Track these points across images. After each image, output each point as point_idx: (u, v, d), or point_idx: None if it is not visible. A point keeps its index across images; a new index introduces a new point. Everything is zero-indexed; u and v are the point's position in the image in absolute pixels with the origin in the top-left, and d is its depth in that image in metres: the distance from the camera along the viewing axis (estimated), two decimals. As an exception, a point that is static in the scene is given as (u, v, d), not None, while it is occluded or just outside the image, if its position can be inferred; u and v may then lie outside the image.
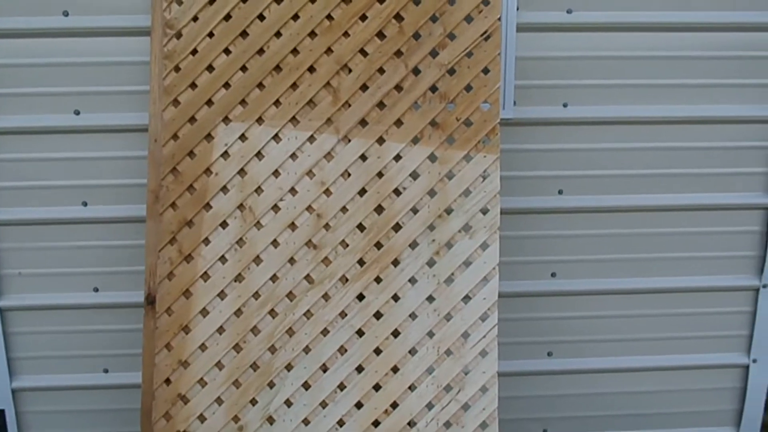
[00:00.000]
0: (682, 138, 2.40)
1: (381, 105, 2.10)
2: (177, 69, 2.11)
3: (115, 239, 2.37)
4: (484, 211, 2.09)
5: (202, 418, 2.08)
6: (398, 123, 2.10)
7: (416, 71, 2.09)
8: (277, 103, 2.10)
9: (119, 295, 2.41)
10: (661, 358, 2.59)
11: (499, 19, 2.06)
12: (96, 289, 2.41)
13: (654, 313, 2.54)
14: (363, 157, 2.10)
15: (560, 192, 2.42)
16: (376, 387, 2.08)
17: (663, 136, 2.40)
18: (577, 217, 2.45)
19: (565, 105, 2.36)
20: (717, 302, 2.55)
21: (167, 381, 2.09)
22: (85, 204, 2.34)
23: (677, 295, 2.54)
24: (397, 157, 2.09)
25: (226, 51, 2.10)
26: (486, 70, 2.09)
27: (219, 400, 2.08)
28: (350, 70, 2.09)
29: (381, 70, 2.09)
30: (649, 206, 2.45)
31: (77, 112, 2.28)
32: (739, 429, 2.67)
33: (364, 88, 2.10)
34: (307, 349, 2.08)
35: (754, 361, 2.60)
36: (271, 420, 2.08)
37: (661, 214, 2.46)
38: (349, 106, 2.10)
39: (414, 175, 2.09)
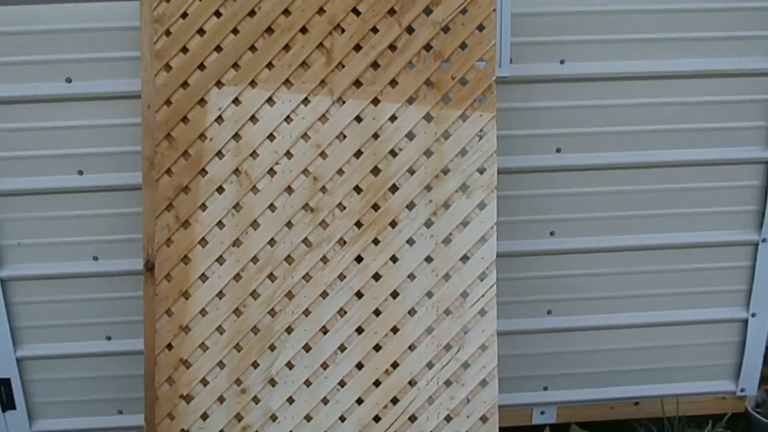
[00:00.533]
0: (682, 93, 2.37)
1: (375, 65, 2.07)
2: (168, 33, 2.08)
3: (113, 207, 2.36)
4: (481, 171, 2.08)
5: (204, 382, 2.10)
6: (393, 83, 2.07)
7: (410, 30, 2.06)
8: (269, 65, 2.08)
9: (119, 263, 2.41)
10: (661, 314, 2.60)
11: (494, -26, 2.03)
12: (95, 258, 2.41)
13: (653, 269, 2.55)
14: (358, 119, 2.08)
15: (558, 150, 2.41)
16: (377, 348, 2.09)
17: (662, 91, 2.37)
18: (576, 175, 2.43)
19: (562, 62, 2.33)
20: (716, 257, 2.55)
21: (169, 346, 2.10)
22: (80, 173, 2.34)
23: (677, 251, 2.54)
24: (393, 118, 2.08)
25: (217, 13, 2.07)
26: (481, 27, 2.05)
27: (221, 364, 2.10)
28: (343, 30, 2.06)
29: (374, 30, 2.06)
30: (648, 162, 2.43)
31: (69, 80, 2.25)
32: (738, 382, 2.69)
33: (357, 48, 2.07)
34: (306, 312, 2.09)
35: (753, 315, 2.61)
36: (273, 382, 2.10)
37: (660, 170, 2.45)
38: (343, 67, 2.07)
39: (410, 136, 2.08)
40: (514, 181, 2.41)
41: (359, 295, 2.09)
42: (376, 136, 2.08)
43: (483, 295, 2.08)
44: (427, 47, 2.06)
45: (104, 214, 2.37)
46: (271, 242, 2.09)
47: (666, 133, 2.41)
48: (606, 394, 2.67)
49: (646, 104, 2.38)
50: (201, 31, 2.07)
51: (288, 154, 2.09)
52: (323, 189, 2.09)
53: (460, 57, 2.07)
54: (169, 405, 2.10)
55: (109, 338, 2.49)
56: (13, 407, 2.50)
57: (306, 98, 2.08)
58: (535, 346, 2.61)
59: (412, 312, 2.09)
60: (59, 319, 2.46)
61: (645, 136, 2.41)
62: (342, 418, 2.09)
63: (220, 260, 2.10)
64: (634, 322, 2.60)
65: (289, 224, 2.09)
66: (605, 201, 2.47)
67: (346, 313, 2.09)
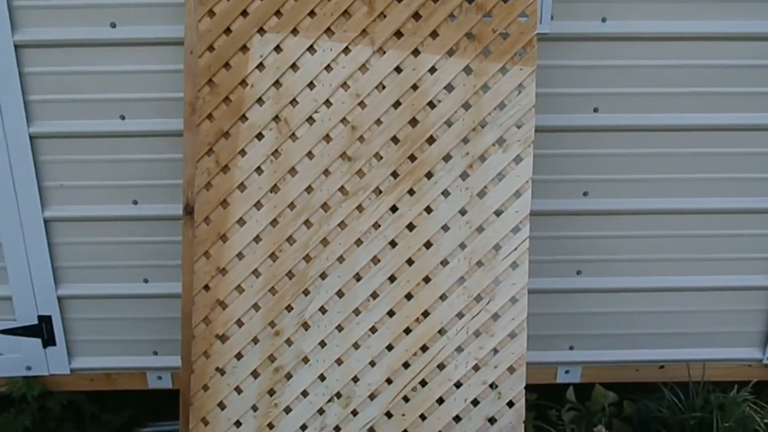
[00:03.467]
0: (723, 55, 2.34)
1: (416, 16, 2.08)
2: (212, -21, 2.10)
3: (153, 153, 2.41)
4: (519, 125, 2.09)
5: (239, 323, 2.16)
6: (434, 34, 2.08)
7: (453, -19, 2.06)
8: (312, 13, 2.09)
9: (158, 207, 2.46)
10: (690, 279, 2.60)
11: (540, -75, 2.01)
12: (135, 202, 2.47)
13: (684, 234, 2.54)
14: (398, 69, 2.10)
15: (596, 110, 2.40)
16: (408, 296, 2.13)
17: (703, 52, 2.34)
18: (612, 135, 2.43)
19: (603, 20, 2.31)
20: (749, 223, 2.53)
21: (206, 287, 2.16)
22: (123, 117, 2.38)
23: (709, 216, 2.53)
24: (432, 69, 2.09)
25: (261, -40, 2.08)
26: (524, -20, 2.05)
27: (256, 306, 2.15)
28: (386, -20, 2.07)
29: (417, -20, 2.06)
30: (685, 125, 2.42)
31: (113, 25, 2.28)
32: (765, 350, 2.69)
33: (399, -2, 2.08)
34: (341, 259, 2.13)
35: (784, 283, 2.60)
36: (306, 326, 2.15)
37: (697, 133, 2.43)
38: (385, 17, 2.08)
39: (449, 88, 2.09)
40: (549, 140, 2.41)
41: (393, 244, 2.12)
42: (415, 87, 2.10)
43: (516, 249, 2.10)
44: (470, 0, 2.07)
45: (145, 159, 2.42)
46: (308, 189, 2.13)
47: (705, 96, 2.39)
48: (632, 356, 2.69)
49: (685, 66, 2.35)
50: (245, -22, 2.09)
51: (327, 103, 2.11)
52: (361, 138, 2.11)
53: (502, 10, 2.06)
54: (205, 344, 2.16)
55: (146, 281, 2.56)
56: (54, 344, 2.59)
57: (347, 47, 2.09)
58: (563, 305, 2.63)
59: (444, 262, 2.12)
60: (99, 260, 2.53)
61: (683, 98, 2.39)
62: (372, 363, 2.14)
63: (258, 205, 2.14)
64: (662, 285, 2.60)
65: (326, 172, 2.12)
66: (640, 163, 2.46)
67: (379, 261, 2.13)
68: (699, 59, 2.35)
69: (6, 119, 2.33)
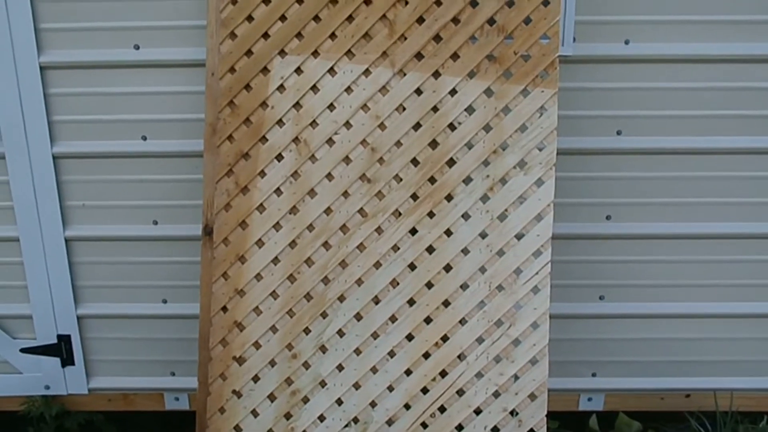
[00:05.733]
0: (748, 78, 2.31)
1: (437, 38, 2.07)
2: (234, 2, 2.12)
3: (174, 173, 2.42)
4: (540, 148, 2.07)
5: (257, 345, 2.14)
6: (454, 56, 2.07)
7: (474, 3, 2.05)
8: (332, 36, 2.10)
9: (177, 228, 2.46)
10: (716, 305, 2.53)
11: (562, -52, 2.01)
12: (155, 222, 2.47)
13: (711, 259, 2.49)
14: (418, 91, 2.09)
15: (619, 132, 2.37)
16: (427, 320, 2.10)
17: (728, 75, 2.30)
18: (635, 158, 2.39)
19: (626, 42, 2.28)
20: (778, 249, 2.48)
21: (224, 309, 2.15)
22: (144, 138, 2.40)
23: (736, 240, 2.47)
24: (453, 92, 2.08)
25: (283, -17, 2.10)
26: (546, 2, 2.04)
27: (273, 329, 2.14)
28: (407, 2, 2.07)
29: (438, 2, 2.06)
30: (710, 148, 2.37)
31: (137, 47, 2.31)
32: (796, 380, 2.62)
33: (420, 20, 2.07)
34: (359, 282, 2.11)
35: (816, 310, 2.53)
36: (323, 349, 2.13)
37: (722, 156, 2.39)
38: (405, 39, 2.08)
39: (469, 110, 2.07)
40: (571, 163, 2.38)
41: (412, 267, 2.10)
42: (435, 109, 2.09)
43: (537, 273, 2.07)
44: (491, 21, 2.05)
45: (165, 179, 2.43)
46: (327, 211, 2.12)
47: (730, 119, 2.35)
48: (657, 383, 2.63)
49: (710, 88, 2.32)
50: (266, 1, 2.10)
51: (347, 125, 2.11)
52: (381, 160, 2.10)
53: (523, 32, 2.05)
54: (222, 366, 2.15)
55: (165, 301, 2.55)
56: (72, 363, 2.59)
57: (367, 69, 2.09)
58: (586, 331, 2.58)
59: (464, 286, 2.09)
60: (118, 280, 2.53)
61: (708, 120, 2.35)
62: (390, 388, 2.11)
63: (277, 227, 2.13)
64: (688, 311, 2.54)
65: (345, 194, 2.11)
66: (664, 186, 2.42)
67: (398, 284, 2.10)
68: (724, 81, 2.31)
69: (30, 139, 2.36)
